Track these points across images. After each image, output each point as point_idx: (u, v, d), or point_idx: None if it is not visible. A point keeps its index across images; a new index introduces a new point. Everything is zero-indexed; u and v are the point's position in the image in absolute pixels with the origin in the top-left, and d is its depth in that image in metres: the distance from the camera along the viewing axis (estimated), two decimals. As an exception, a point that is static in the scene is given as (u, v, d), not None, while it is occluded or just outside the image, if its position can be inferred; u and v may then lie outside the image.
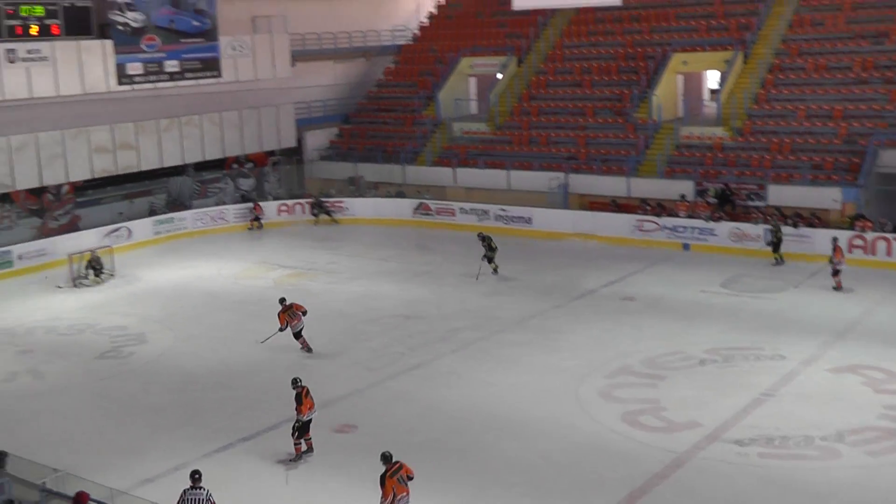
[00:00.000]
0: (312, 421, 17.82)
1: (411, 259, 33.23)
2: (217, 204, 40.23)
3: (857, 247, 29.96)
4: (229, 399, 20.95)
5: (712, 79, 43.54)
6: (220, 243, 36.27)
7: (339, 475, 17.12)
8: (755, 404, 19.57)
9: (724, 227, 32.20)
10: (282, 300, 23.97)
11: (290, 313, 23.52)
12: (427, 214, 38.26)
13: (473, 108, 45.65)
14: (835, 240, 27.72)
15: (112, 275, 31.69)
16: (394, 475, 14.49)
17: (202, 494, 14.15)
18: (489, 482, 16.67)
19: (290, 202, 39.96)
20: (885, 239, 29.66)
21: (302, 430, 17.68)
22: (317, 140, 44.36)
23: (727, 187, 33.52)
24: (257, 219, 38.62)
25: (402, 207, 38.88)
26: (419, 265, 32.26)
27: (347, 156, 43.16)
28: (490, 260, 30.34)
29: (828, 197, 32.06)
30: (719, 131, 36.45)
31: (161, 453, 18.15)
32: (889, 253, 29.61)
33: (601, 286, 28.89)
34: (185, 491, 14.25)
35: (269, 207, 39.63)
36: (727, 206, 33.26)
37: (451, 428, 18.99)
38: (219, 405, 20.63)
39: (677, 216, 33.39)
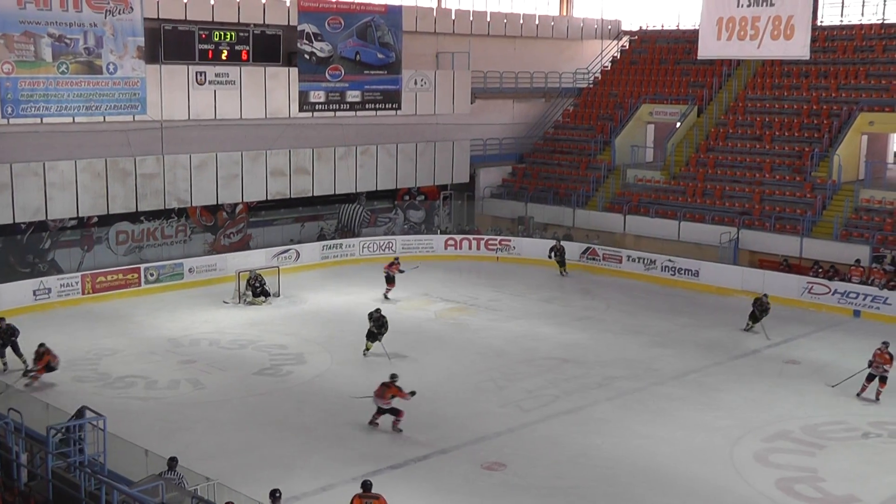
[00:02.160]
0: None
1: (574, 303, 33.12)
2: (386, 234, 41.09)
3: None
4: (381, 426, 21.21)
5: (898, 141, 41.99)
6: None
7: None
8: (919, 484, 18.71)
9: (900, 297, 30.89)
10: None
11: None
12: (594, 259, 38.08)
13: (649, 155, 45.26)
14: (885, 345, 23.74)
15: (276, 294, 32.64)
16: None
17: None
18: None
19: (457, 237, 40.40)
20: None
21: None
22: (490, 177, 44.81)
23: (906, 255, 32.23)
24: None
25: (570, 251, 38.74)
26: (581, 309, 32.12)
27: (518, 195, 43.41)
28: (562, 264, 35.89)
29: None
30: (902, 196, 35.12)
31: (310, 472, 18.61)
32: None
33: (765, 347, 28.13)
34: None
35: (438, 241, 40.17)
36: (904, 274, 31.95)
37: (600, 476, 18.81)
38: (369, 431, 20.96)
39: (850, 281, 32.25)
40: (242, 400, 22.96)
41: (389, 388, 20.63)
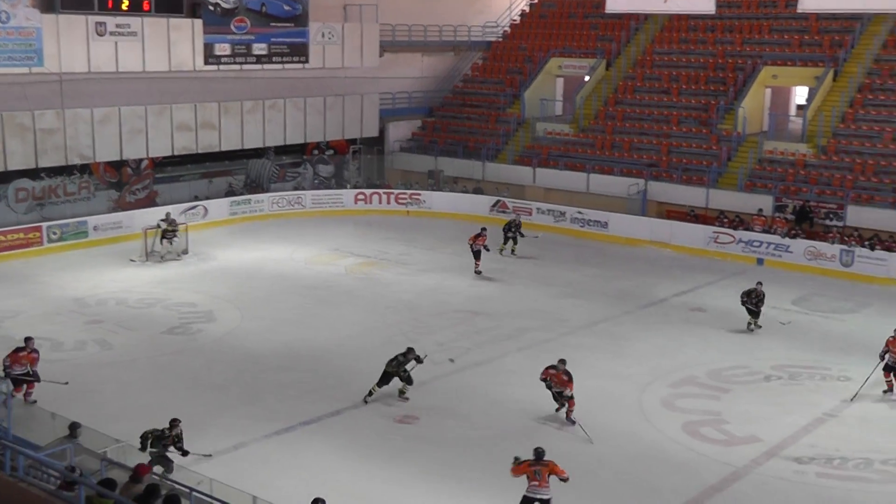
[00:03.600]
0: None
1: (484, 255, 33.20)
2: (295, 188, 40.74)
3: (931, 273, 29.47)
4: (292, 382, 21.17)
5: (800, 94, 42.84)
6: (294, 228, 36.65)
7: (397, 465, 17.24)
8: (817, 423, 19.41)
9: (800, 245, 31.75)
10: None
11: None
12: (504, 212, 38.25)
13: (558, 109, 45.48)
14: None
15: (185, 252, 32.13)
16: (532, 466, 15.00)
17: None
18: (542, 482, 16.67)
19: (367, 191, 40.21)
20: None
21: None
22: (399, 131, 44.62)
23: (806, 205, 33.04)
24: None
25: (479, 204, 38.92)
26: (492, 262, 32.25)
27: (428, 149, 43.32)
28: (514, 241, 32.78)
29: (908, 221, 31.54)
30: (803, 148, 35.87)
31: (221, 431, 18.40)
32: (964, 282, 29.07)
33: (672, 295, 28.67)
34: None
35: (347, 196, 39.94)
36: (805, 223, 32.79)
37: (512, 426, 19.02)
38: (281, 387, 20.86)
39: (754, 230, 33.00)
40: (152, 359, 22.62)
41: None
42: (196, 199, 37.21)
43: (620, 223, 35.71)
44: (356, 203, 39.86)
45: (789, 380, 21.84)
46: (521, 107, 43.68)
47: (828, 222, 32.69)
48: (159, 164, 37.35)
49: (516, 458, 15.21)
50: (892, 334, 20.84)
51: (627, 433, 18.70)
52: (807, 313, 26.89)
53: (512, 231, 33.10)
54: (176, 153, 36.83)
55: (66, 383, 19.67)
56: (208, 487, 13.96)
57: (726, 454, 17.86)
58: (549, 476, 14.82)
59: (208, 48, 36.21)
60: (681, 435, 18.61)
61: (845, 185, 33.53)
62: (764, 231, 32.81)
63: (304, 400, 20.14)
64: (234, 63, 37.27)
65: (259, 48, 37.68)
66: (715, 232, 33.55)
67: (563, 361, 19.12)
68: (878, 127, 35.18)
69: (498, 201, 38.54)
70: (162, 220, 32.00)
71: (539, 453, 15.07)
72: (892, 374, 20.71)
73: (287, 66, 38.98)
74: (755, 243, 32.67)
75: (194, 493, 12.96)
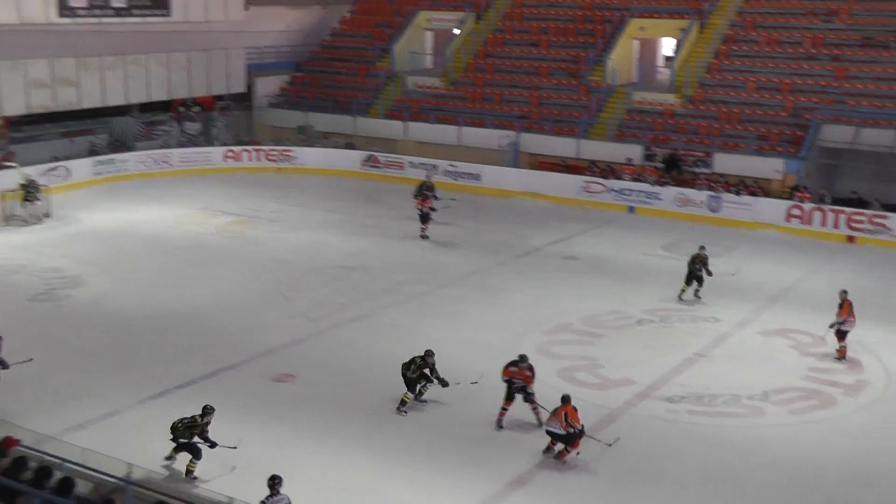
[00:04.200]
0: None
1: (358, 211, 33.06)
2: (161, 147, 39.52)
3: (795, 216, 30.85)
4: (165, 345, 20.65)
5: (667, 46, 43.55)
6: (162, 187, 35.63)
7: (278, 426, 17.01)
8: (687, 364, 20.04)
9: (670, 192, 32.51)
10: None
11: None
12: (376, 167, 38.04)
13: (429, 62, 45.27)
14: (843, 293, 20.66)
15: (47, 215, 30.96)
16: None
17: (283, 501, 12.95)
18: (424, 435, 16.68)
19: (236, 149, 39.42)
20: (821, 210, 30.52)
21: None
22: (267, 87, 43.80)
23: (675, 153, 33.75)
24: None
25: (351, 159, 38.60)
26: (365, 217, 32.11)
27: (298, 104, 42.64)
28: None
29: (771, 167, 32.62)
30: (671, 98, 36.58)
31: (94, 399, 17.80)
32: (824, 224, 30.54)
33: (546, 245, 29.00)
34: (263, 503, 12.87)
35: (216, 153, 39.07)
36: (673, 171, 33.50)
37: (391, 380, 18.84)
38: (154, 350, 20.34)
39: (624, 179, 33.56)
40: (17, 328, 21.55)
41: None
42: (56, 159, 35.68)
43: (493, 175, 35.87)
44: (225, 161, 39.00)
45: (661, 323, 22.40)
46: (390, 61, 43.31)
47: (696, 170, 33.47)
48: (15, 123, 35.79)
49: None
50: (840, 299, 20.42)
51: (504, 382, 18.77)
52: (677, 258, 27.44)
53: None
54: (32, 111, 35.33)
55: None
56: (81, 457, 13.49)
57: (601, 397, 18.19)
58: (564, 416, 15.46)
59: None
60: (556, 381, 18.78)
61: (712, 134, 34.35)
62: (634, 180, 33.43)
63: (179, 363, 19.66)
64: (92, 16, 35.80)
65: (117, 0, 36.30)
66: (586, 182, 34.03)
67: (523, 357, 17.21)
68: (743, 77, 36.10)
69: (370, 156, 38.27)
70: (22, 183, 30.74)
71: (564, 398, 15.68)
72: (844, 340, 20.25)
73: (148, 19, 37.71)
74: (626, 192, 33.26)
75: (66, 464, 12.50)
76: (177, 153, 38.64)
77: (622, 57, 39.16)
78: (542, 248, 28.77)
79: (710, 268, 23.82)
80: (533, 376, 17.06)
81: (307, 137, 40.93)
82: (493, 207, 33.66)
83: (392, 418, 17.24)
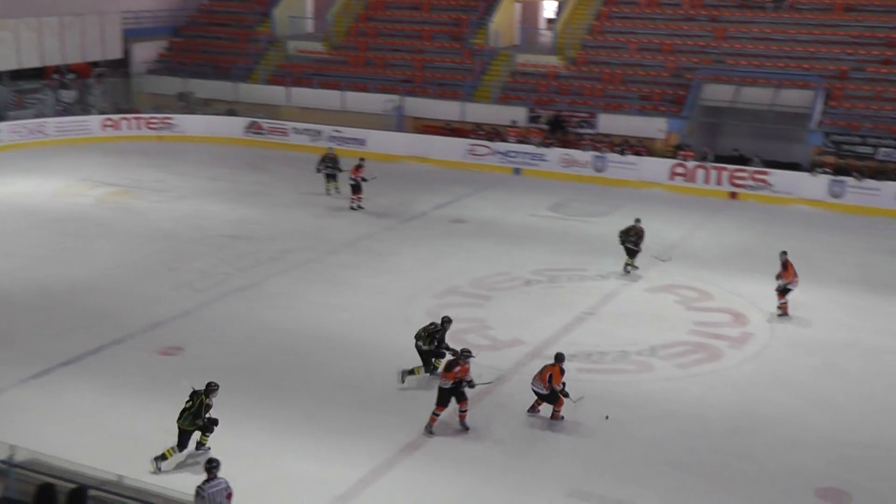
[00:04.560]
0: None
1: (242, 179, 32.56)
2: (36, 116, 38.20)
3: (679, 174, 31.51)
4: (48, 321, 20.02)
5: (549, 8, 43.85)
6: (38, 158, 34.47)
7: (166, 400, 16.62)
8: (576, 322, 20.32)
9: (555, 153, 32.85)
10: None
11: None
12: (259, 133, 37.52)
13: (310, 26, 44.73)
14: (783, 254, 20.73)
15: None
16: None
17: (222, 485, 12.04)
18: (316, 402, 16.56)
19: (115, 117, 38.38)
20: (704, 168, 31.25)
21: None
22: (145, 53, 42.72)
23: (559, 114, 34.06)
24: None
25: (233, 126, 37.98)
26: (250, 185, 31.67)
27: (178, 70, 41.72)
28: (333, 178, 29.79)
29: (654, 127, 33.24)
30: (554, 60, 36.85)
31: (-25, 378, 17.25)
32: (707, 181, 31.28)
33: (433, 209, 29.03)
34: (200, 488, 11.92)
35: (93, 122, 37.97)
36: (558, 132, 33.84)
37: (281, 349, 18.77)
38: (36, 328, 19.71)
39: (509, 141, 33.76)
40: None
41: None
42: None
43: (378, 140, 35.73)
44: (104, 130, 37.97)
45: (549, 283, 22.65)
46: (271, 25, 42.67)
47: (580, 130, 33.89)
48: None
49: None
50: (782, 260, 20.44)
51: (398, 345, 18.70)
52: (564, 219, 27.86)
53: (330, 167, 30.24)
54: None
55: None
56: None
57: (492, 358, 18.27)
58: (549, 378, 15.63)
59: (-81, -39, 33.19)
60: (446, 342, 18.81)
61: (595, 95, 34.78)
62: (519, 142, 33.67)
63: (62, 339, 19.08)
64: (-47, -23, 34.38)
65: (-17, -38, 34.94)
66: (472, 144, 34.16)
67: (467, 351, 16.02)
68: (624, 38, 36.61)
69: (252, 122, 37.71)
70: None
71: (557, 357, 15.86)
72: (785, 297, 20.52)
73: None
74: (511, 154, 33.48)
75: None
76: (52, 122, 37.43)
77: (504, 19, 39.32)
78: (429, 211, 28.79)
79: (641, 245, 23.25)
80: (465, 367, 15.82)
81: (188, 104, 40.10)
82: (379, 172, 33.36)
83: (281, 387, 17.06)
